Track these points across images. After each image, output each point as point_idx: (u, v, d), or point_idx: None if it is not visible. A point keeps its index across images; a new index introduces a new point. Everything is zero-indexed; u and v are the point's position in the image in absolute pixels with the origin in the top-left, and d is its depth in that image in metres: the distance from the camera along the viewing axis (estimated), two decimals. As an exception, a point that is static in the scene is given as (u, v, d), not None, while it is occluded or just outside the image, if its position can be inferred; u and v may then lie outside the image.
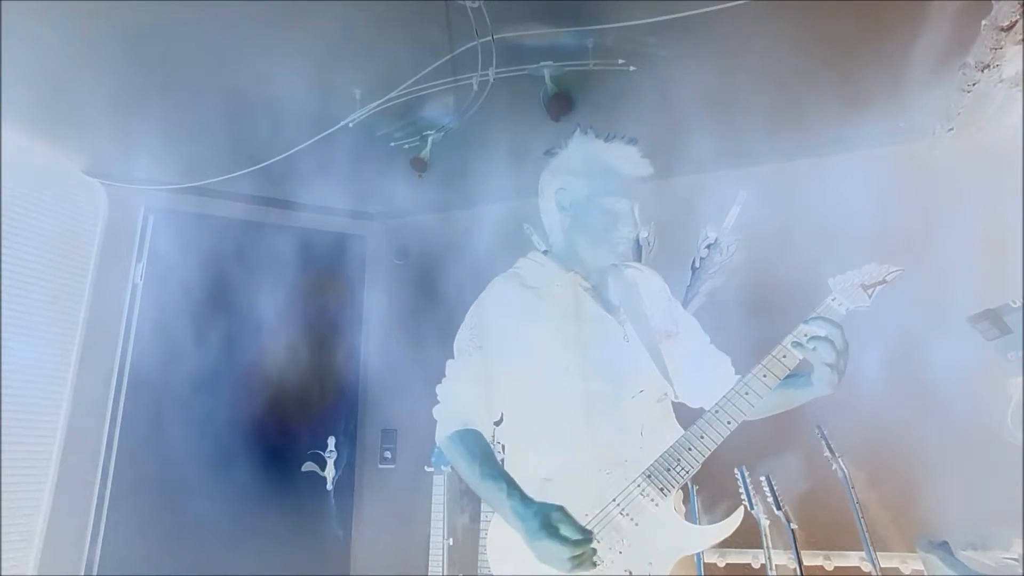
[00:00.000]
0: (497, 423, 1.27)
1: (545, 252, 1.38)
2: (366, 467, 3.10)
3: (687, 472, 1.08)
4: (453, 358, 1.28)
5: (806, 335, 1.10)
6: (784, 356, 1.11)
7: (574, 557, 0.98)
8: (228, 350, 2.83)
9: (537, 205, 1.40)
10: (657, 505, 1.08)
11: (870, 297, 1.15)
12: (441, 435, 1.23)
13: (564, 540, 0.99)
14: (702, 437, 1.10)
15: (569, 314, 1.25)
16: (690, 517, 2.14)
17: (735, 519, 1.10)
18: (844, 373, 1.11)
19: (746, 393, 1.11)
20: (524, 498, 1.07)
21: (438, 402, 1.26)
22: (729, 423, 1.10)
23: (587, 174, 1.30)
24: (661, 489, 1.08)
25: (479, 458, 1.15)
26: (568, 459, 1.15)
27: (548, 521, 1.01)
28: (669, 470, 1.09)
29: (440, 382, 1.28)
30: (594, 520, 1.07)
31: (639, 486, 1.09)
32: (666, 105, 2.30)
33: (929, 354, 2.27)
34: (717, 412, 1.11)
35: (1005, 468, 2.05)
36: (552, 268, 1.32)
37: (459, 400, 1.24)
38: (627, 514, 1.08)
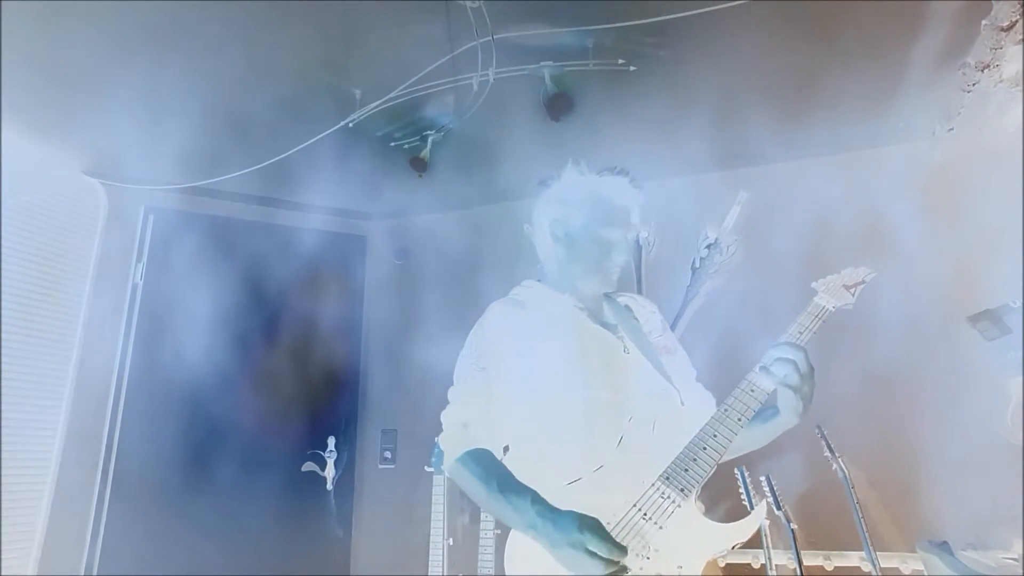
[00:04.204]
0: (505, 449, 1.27)
1: (539, 280, 1.41)
2: (366, 467, 3.09)
3: (704, 471, 1.09)
4: (453, 384, 1.29)
5: (772, 358, 1.13)
6: (751, 389, 1.14)
7: (610, 563, 0.99)
8: (228, 350, 2.83)
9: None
10: (680, 507, 1.08)
11: (853, 296, 1.19)
12: (449, 460, 1.22)
13: (608, 548, 1.00)
14: (715, 436, 1.10)
15: (568, 331, 1.27)
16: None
17: (758, 515, 1.12)
18: (810, 400, 1.13)
19: (752, 391, 1.13)
20: (552, 506, 1.07)
21: (442, 430, 1.26)
22: (740, 420, 1.11)
23: (581, 205, 1.34)
24: (681, 490, 1.08)
25: (495, 474, 1.15)
26: (582, 472, 1.14)
27: (590, 527, 1.01)
28: (687, 470, 1.09)
29: (445, 396, 1.28)
30: (618, 527, 1.06)
31: (659, 489, 1.09)
32: (666, 105, 2.31)
33: (929, 354, 2.27)
34: (727, 410, 1.12)
35: (1005, 468, 2.05)
36: (546, 292, 1.36)
37: (465, 424, 1.24)
38: (650, 518, 1.07)
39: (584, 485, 1.13)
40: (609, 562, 0.99)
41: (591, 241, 1.32)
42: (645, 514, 1.07)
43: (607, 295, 1.40)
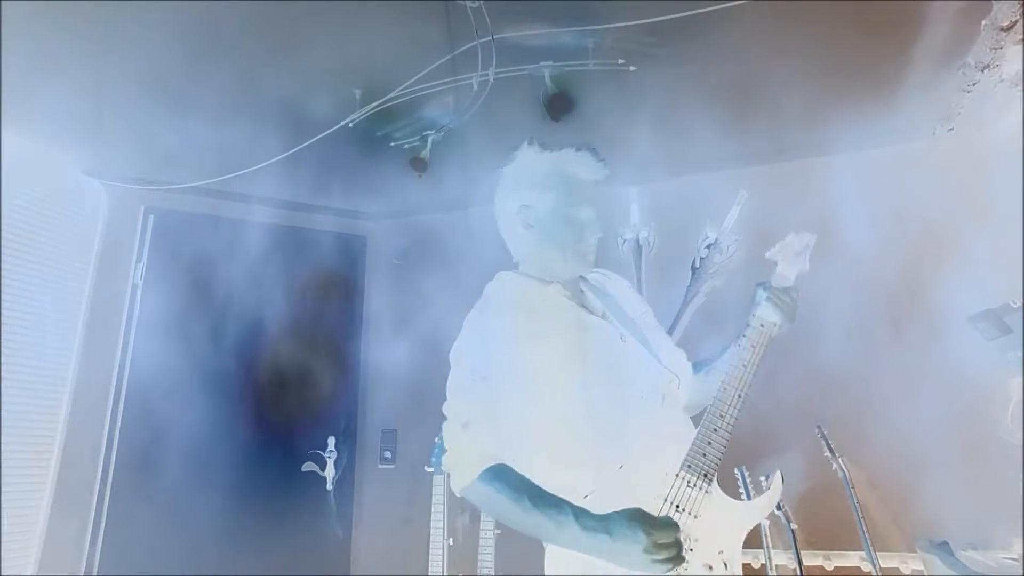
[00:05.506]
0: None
1: (514, 271, 1.36)
2: (366, 467, 3.09)
3: (720, 453, 1.12)
4: (448, 398, 1.23)
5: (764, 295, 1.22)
6: (761, 324, 1.20)
7: (672, 544, 1.00)
8: (228, 350, 2.83)
9: None
10: (707, 492, 1.10)
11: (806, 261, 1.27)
12: (465, 482, 1.12)
13: (667, 532, 1.02)
14: (722, 416, 1.14)
15: (561, 327, 1.21)
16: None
17: (777, 487, 1.17)
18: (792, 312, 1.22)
19: (744, 365, 1.17)
20: (596, 515, 1.03)
21: (446, 451, 1.19)
22: (740, 396, 1.15)
23: (548, 187, 1.29)
24: (704, 475, 1.10)
25: (524, 489, 1.07)
26: (597, 468, 1.12)
27: (643, 522, 1.01)
28: (705, 455, 1.11)
29: (444, 412, 1.23)
30: None
31: (684, 479, 1.10)
32: (666, 105, 2.30)
33: (929, 354, 2.26)
34: (725, 388, 1.16)
35: (1005, 468, 2.05)
36: (530, 284, 1.29)
37: (474, 441, 1.14)
38: (684, 509, 1.08)
39: (609, 487, 1.09)
40: (672, 545, 1.01)
41: (563, 223, 1.27)
42: (678, 506, 1.08)
43: (581, 277, 1.34)
